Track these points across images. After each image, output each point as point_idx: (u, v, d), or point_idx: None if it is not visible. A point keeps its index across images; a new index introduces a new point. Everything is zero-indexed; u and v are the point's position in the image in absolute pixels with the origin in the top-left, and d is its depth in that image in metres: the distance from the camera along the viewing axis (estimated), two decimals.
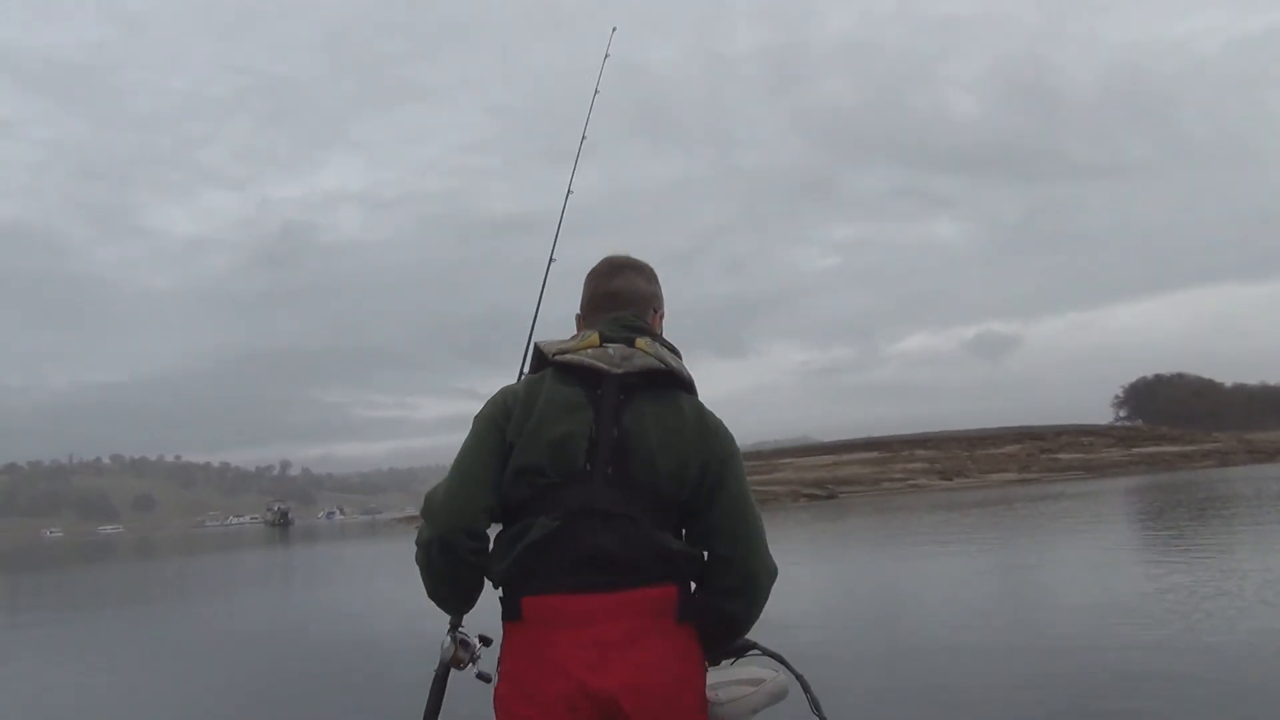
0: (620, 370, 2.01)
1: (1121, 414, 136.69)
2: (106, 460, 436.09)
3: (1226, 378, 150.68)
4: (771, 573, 2.06)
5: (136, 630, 15.98)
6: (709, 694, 2.09)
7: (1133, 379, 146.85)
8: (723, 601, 2.01)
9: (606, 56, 3.68)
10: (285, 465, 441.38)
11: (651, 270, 2.30)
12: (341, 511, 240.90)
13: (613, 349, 2.04)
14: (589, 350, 2.04)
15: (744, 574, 2.01)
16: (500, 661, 1.98)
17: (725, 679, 2.27)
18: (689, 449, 1.98)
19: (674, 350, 2.14)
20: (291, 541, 65.68)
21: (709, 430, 2.03)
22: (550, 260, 2.99)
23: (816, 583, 15.67)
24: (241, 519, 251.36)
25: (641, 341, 2.07)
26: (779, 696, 2.36)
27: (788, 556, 18.81)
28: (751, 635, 2.41)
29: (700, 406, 2.07)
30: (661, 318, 2.27)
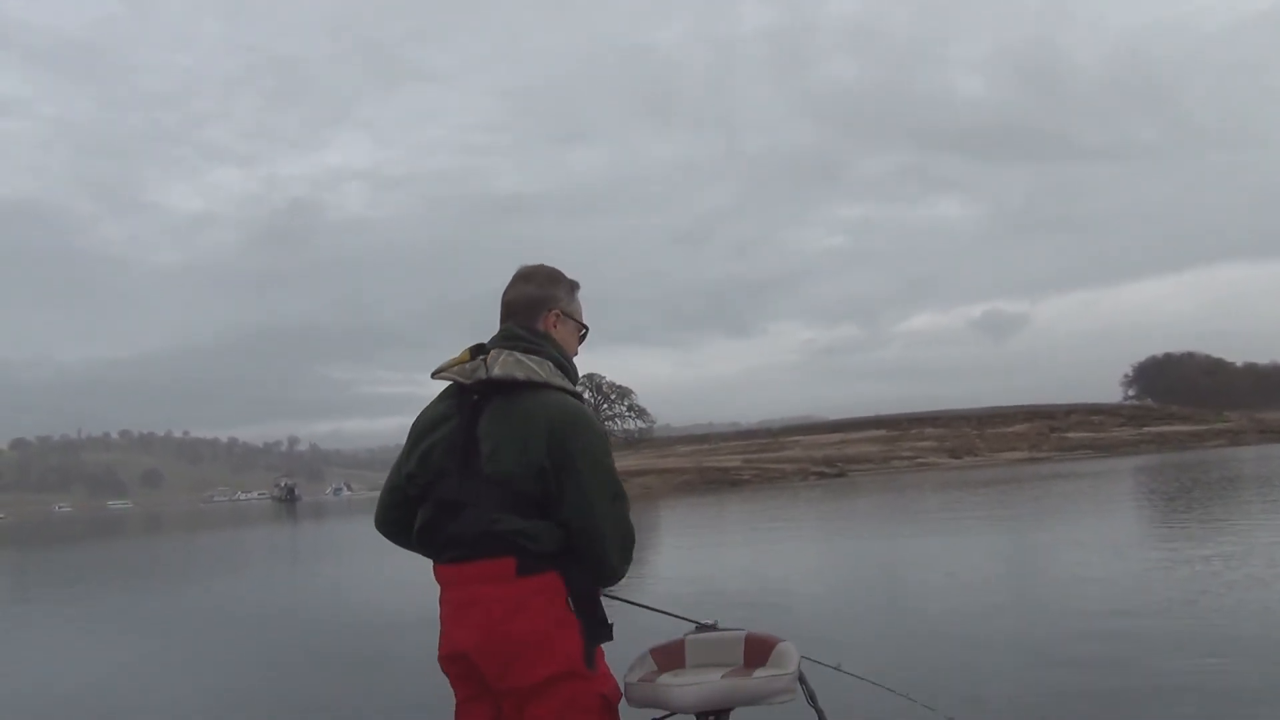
0: (470, 382, 2.47)
1: (1131, 393, 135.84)
2: (115, 436, 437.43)
3: (1237, 357, 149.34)
4: (626, 536, 2.44)
5: (153, 606, 15.84)
6: (634, 678, 2.60)
7: (1141, 358, 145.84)
8: (585, 566, 2.40)
9: None
10: (293, 441, 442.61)
11: (546, 274, 2.66)
12: (349, 487, 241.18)
13: (470, 365, 2.49)
14: (455, 368, 2.50)
15: (594, 540, 2.38)
16: None
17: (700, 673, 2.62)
18: (531, 440, 2.36)
19: (535, 351, 2.50)
20: (298, 518, 65.75)
21: (552, 420, 2.38)
22: None
23: (824, 564, 15.38)
24: (249, 495, 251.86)
25: (492, 353, 2.48)
26: (740, 699, 2.57)
27: (796, 537, 18.45)
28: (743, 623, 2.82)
29: (547, 400, 2.42)
30: (558, 315, 2.62)
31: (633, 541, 2.47)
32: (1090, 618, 8.63)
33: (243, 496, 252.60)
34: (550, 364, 2.50)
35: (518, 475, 2.35)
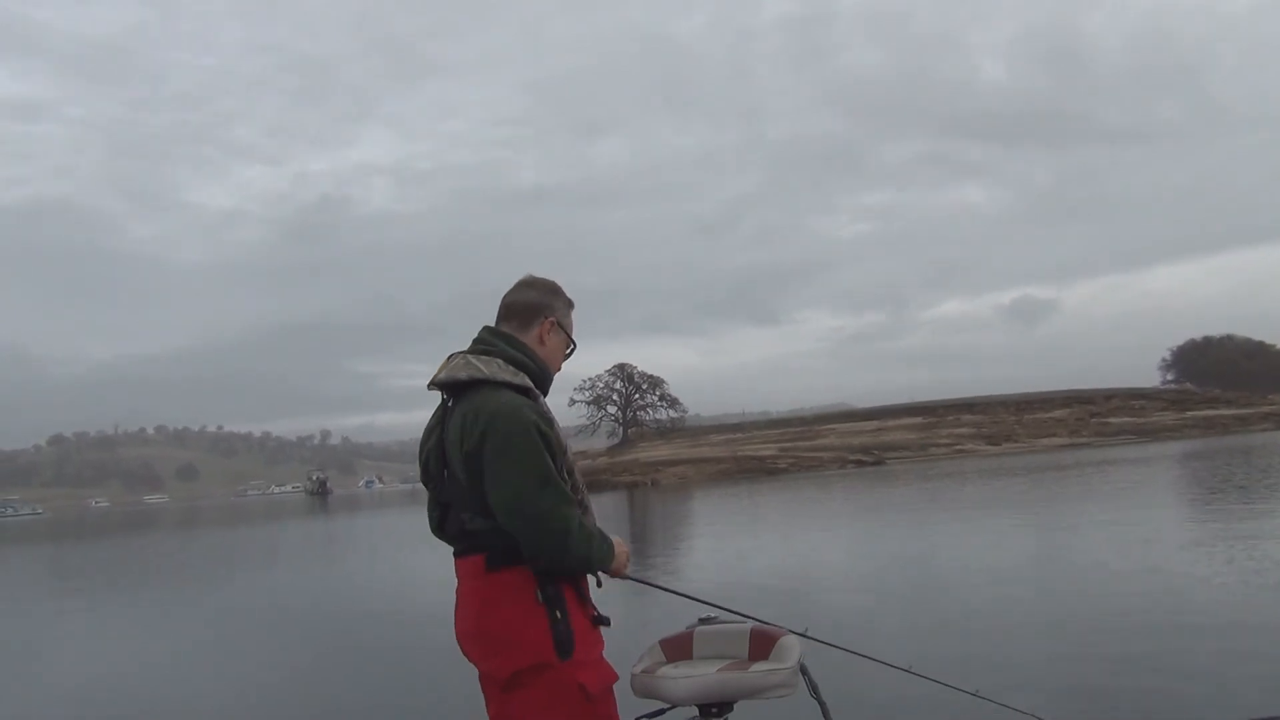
0: (434, 388, 2.62)
1: (1170, 377, 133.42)
2: (151, 431, 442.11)
3: (1277, 339, 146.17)
4: (543, 514, 2.35)
5: (193, 601, 15.51)
6: (639, 669, 2.69)
7: (1177, 342, 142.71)
8: (524, 551, 2.40)
9: None
10: (325, 435, 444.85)
11: (549, 286, 2.73)
12: (380, 480, 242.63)
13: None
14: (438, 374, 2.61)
15: (517, 525, 2.37)
16: None
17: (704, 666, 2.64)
18: (465, 438, 2.44)
19: (488, 351, 2.55)
20: (330, 511, 65.82)
21: (476, 415, 2.42)
22: None
23: (864, 560, 14.59)
24: (283, 488, 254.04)
25: (451, 359, 2.59)
26: (737, 692, 2.56)
27: (839, 529, 17.55)
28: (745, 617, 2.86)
29: (484, 397, 2.46)
30: (553, 324, 2.68)
31: (558, 529, 2.38)
32: (1151, 635, 7.72)
33: (276, 490, 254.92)
34: (499, 361, 2.53)
35: (461, 474, 2.48)
